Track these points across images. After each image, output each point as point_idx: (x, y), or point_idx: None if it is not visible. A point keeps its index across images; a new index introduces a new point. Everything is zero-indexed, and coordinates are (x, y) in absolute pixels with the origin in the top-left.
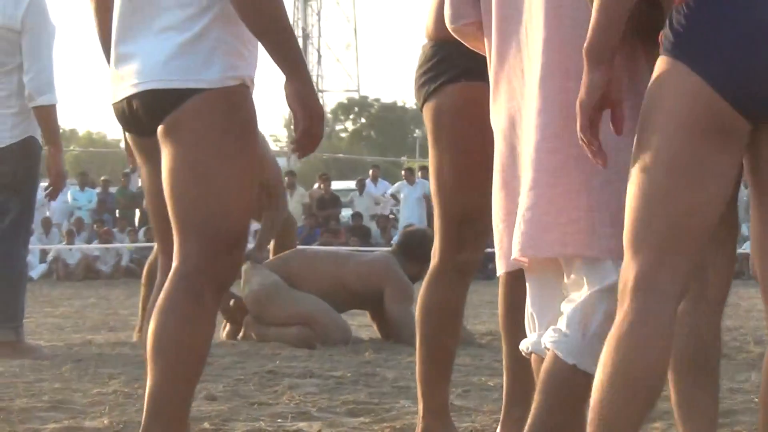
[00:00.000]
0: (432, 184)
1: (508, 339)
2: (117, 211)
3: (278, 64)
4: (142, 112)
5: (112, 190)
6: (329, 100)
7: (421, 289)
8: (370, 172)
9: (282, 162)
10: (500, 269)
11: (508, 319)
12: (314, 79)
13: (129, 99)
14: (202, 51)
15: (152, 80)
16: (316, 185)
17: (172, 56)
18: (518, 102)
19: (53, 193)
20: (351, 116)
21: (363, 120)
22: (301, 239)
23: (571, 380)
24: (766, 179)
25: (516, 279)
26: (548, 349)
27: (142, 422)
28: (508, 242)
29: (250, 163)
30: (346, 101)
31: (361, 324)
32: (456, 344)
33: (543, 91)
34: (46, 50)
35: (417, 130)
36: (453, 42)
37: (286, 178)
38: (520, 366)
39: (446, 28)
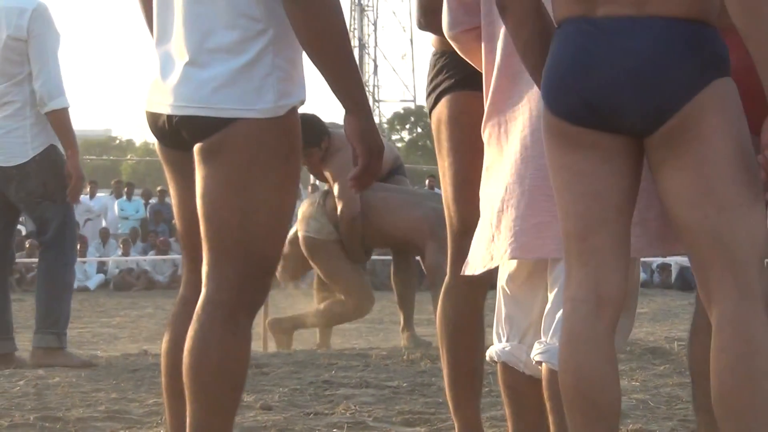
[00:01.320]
0: (442, 196)
1: None
2: (173, 221)
3: (339, 99)
4: (184, 132)
5: (169, 200)
6: (385, 110)
7: (438, 304)
8: (427, 181)
9: None
10: (477, 270)
11: None
12: (370, 89)
13: (170, 115)
14: (255, 78)
15: (201, 106)
16: None
17: (224, 83)
18: (509, 111)
19: (73, 195)
20: (407, 126)
21: (419, 129)
22: None
23: None
24: (659, 186)
25: None
26: (541, 364)
27: None
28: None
29: (293, 188)
30: (402, 111)
31: (419, 333)
32: (479, 358)
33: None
34: (53, 55)
35: None
36: (452, 51)
37: None
38: None
39: (445, 38)
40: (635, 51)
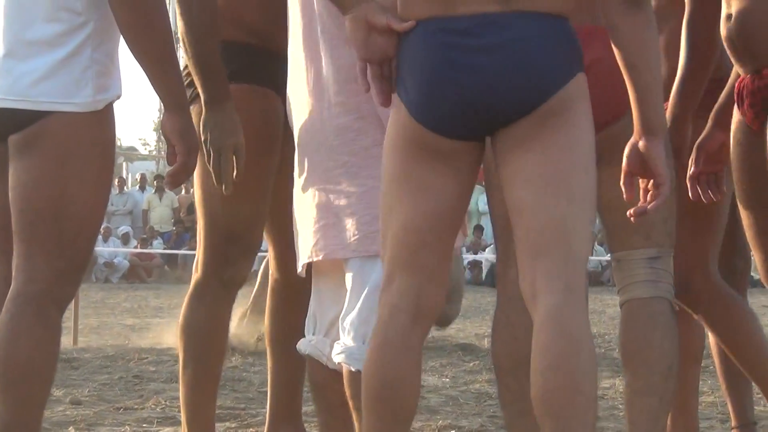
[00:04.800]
0: (197, 194)
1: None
2: None
3: (160, 96)
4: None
5: None
6: None
7: (183, 306)
8: None
9: (151, 166)
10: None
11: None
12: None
13: None
14: (74, 71)
15: (19, 99)
16: (184, 191)
17: (43, 76)
18: (296, 113)
19: None
20: None
21: None
22: (169, 244)
23: None
24: (508, 168)
25: None
26: (342, 365)
27: None
28: (307, 239)
29: (108, 183)
30: None
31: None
32: (222, 364)
33: (338, 86)
34: None
35: None
36: (222, 43)
37: (155, 183)
38: None
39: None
40: (508, 41)
